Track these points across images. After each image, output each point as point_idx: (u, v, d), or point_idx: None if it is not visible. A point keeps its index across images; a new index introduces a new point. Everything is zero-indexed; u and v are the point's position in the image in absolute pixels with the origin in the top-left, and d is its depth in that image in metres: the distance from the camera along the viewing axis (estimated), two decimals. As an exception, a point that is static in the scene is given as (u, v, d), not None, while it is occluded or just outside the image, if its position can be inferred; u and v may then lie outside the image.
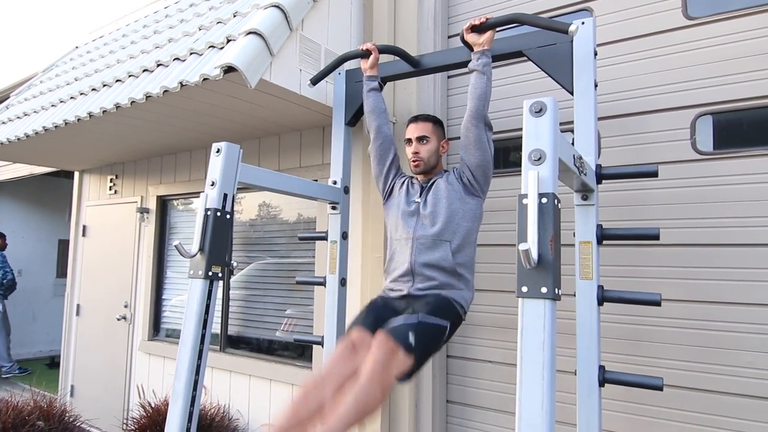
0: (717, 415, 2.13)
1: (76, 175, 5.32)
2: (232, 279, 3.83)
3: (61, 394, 4.85)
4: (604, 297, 1.85)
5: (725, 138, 2.26)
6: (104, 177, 4.99)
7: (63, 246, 7.64)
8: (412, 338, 1.77)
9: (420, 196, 2.20)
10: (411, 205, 2.19)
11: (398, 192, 2.27)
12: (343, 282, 2.53)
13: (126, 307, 4.53)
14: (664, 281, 2.28)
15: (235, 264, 1.90)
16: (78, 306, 5.03)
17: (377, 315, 2.00)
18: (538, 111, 1.30)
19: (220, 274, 1.82)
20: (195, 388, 1.75)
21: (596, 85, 2.00)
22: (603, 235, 1.89)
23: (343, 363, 1.82)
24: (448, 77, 3.05)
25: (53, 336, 7.42)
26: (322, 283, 2.55)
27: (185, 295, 4.31)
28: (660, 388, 1.73)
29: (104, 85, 3.27)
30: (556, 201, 1.24)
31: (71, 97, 3.54)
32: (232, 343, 3.76)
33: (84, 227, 5.12)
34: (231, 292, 3.81)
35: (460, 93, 3.00)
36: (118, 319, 4.53)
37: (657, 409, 2.25)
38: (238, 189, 1.98)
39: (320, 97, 2.78)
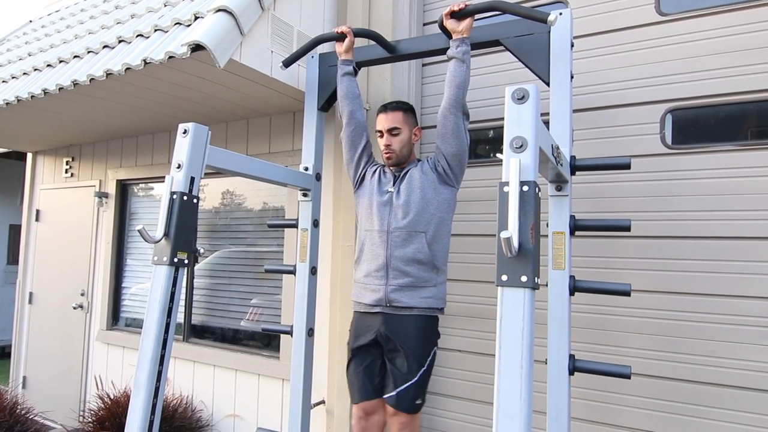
0: (679, 402, 2.20)
1: (29, 156, 5.04)
2: (197, 267, 3.72)
3: (12, 385, 4.63)
4: (575, 287, 1.87)
5: (693, 133, 2.31)
6: (60, 159, 4.75)
7: (14, 231, 7.26)
8: (418, 398, 2.03)
9: (393, 185, 2.16)
10: (384, 195, 2.16)
11: (370, 181, 2.23)
12: (313, 270, 2.48)
13: (83, 295, 4.34)
14: (630, 272, 2.33)
15: (201, 250, 1.82)
16: (31, 294, 4.80)
17: (368, 371, 2.13)
18: (521, 98, 1.28)
19: (186, 261, 1.74)
20: (159, 379, 1.67)
21: (572, 77, 2.01)
22: (576, 226, 1.91)
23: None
24: (423, 65, 3.02)
25: (3, 325, 7.05)
26: (292, 272, 2.50)
27: (147, 284, 4.16)
28: (628, 377, 1.76)
29: (60, 61, 3.08)
30: (537, 189, 1.23)
31: (24, 73, 3.33)
32: (196, 332, 3.66)
33: (38, 212, 4.87)
34: (195, 280, 3.70)
35: (434, 81, 2.97)
36: (75, 308, 4.34)
37: (623, 396, 2.30)
38: (205, 173, 1.89)
39: (292, 81, 2.70)
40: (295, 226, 2.53)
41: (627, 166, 1.89)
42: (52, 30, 4.18)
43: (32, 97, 2.95)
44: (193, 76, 2.61)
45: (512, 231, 1.17)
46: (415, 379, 2.02)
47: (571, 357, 1.85)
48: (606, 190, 2.42)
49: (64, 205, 4.66)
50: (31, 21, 5.14)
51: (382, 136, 2.20)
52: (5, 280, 7.31)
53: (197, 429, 3.27)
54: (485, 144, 2.86)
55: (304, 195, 2.51)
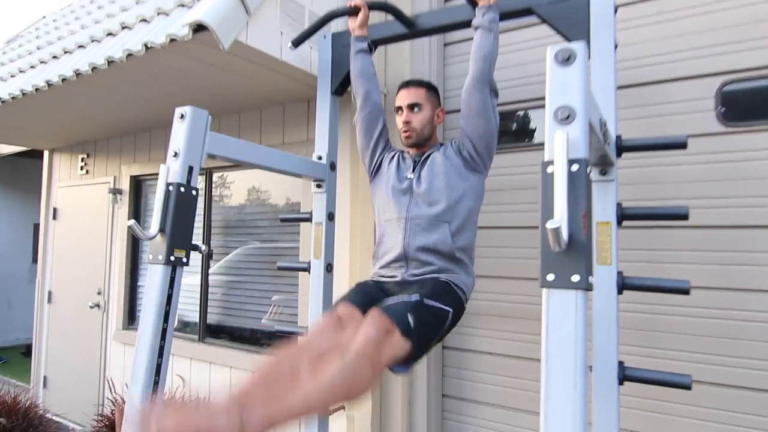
0: (743, 413, 1.95)
1: (46, 154, 5.01)
2: (213, 265, 3.59)
3: (33, 385, 4.60)
4: (624, 284, 1.63)
5: (754, 109, 2.04)
6: (75, 156, 4.68)
7: (38, 230, 7.31)
8: (411, 320, 1.49)
9: (413, 171, 1.94)
10: (403, 181, 1.93)
11: (387, 168, 2.01)
12: (329, 267, 2.29)
13: (99, 294, 4.26)
14: (684, 266, 2.08)
15: (204, 248, 1.65)
16: (50, 293, 4.76)
17: (369, 294, 1.74)
18: (566, 59, 1.05)
19: (184, 260, 1.57)
20: (155, 391, 1.51)
21: (616, 46, 1.77)
22: (623, 215, 1.67)
23: (327, 336, 1.44)
24: (445, 45, 2.79)
25: (30, 323, 7.09)
26: (306, 269, 2.31)
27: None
28: (688, 387, 1.53)
29: (65, 52, 2.97)
30: (589, 169, 1.01)
31: (31, 66, 3.23)
32: (212, 332, 3.53)
33: (55, 210, 4.82)
34: (211, 278, 3.56)
35: (458, 62, 2.74)
36: (91, 307, 4.27)
37: (678, 406, 2.06)
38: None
39: (304, 64, 2.51)
40: (308, 219, 2.34)
41: (683, 145, 1.64)
42: (62, 23, 4.09)
43: (37, 89, 2.84)
44: (197, 60, 2.44)
45: (560, 220, 0.95)
46: (416, 301, 1.57)
47: (620, 364, 1.62)
48: (653, 175, 2.17)
49: (80, 202, 4.58)
50: (44, 16, 5.09)
51: (401, 113, 1.98)
52: (31, 278, 7.36)
53: (213, 433, 3.13)
54: (517, 126, 2.62)
55: (318, 186, 2.32)
